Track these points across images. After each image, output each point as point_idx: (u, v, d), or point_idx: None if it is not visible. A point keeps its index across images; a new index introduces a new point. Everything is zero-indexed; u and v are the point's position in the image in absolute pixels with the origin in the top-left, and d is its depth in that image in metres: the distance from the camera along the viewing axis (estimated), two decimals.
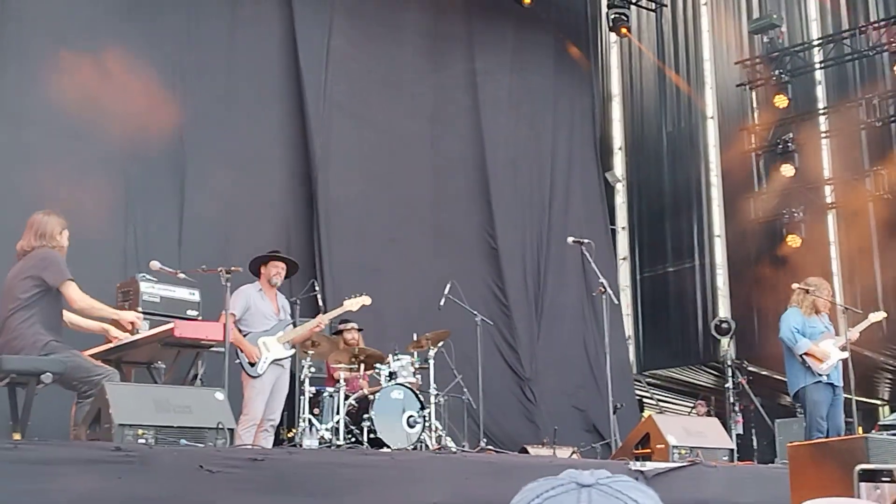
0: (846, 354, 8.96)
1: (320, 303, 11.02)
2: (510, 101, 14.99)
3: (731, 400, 14.10)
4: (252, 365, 8.32)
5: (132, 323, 6.58)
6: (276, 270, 8.75)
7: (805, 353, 8.90)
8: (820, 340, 8.98)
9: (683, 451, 7.50)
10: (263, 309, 8.56)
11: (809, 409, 8.91)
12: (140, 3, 11.57)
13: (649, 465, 6.84)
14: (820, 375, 8.85)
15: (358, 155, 13.18)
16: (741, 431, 13.87)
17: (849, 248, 14.99)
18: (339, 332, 10.48)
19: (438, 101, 14.25)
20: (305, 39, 12.69)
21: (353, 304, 9.05)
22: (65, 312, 6.44)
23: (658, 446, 7.57)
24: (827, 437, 8.51)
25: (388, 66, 13.74)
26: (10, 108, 10.47)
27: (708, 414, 13.95)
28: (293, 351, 8.75)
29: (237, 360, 8.26)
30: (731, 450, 8.19)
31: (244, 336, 8.39)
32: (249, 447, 6.47)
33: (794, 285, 9.42)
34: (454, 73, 14.47)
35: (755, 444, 13.94)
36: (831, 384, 8.93)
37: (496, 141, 14.53)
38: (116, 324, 6.62)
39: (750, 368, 14.97)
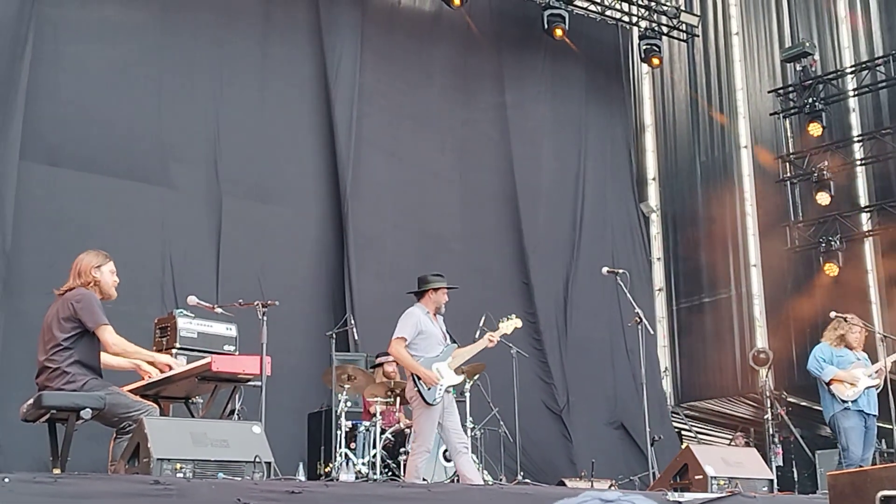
0: (876, 382, 8.89)
1: (356, 337, 11.07)
2: (541, 133, 15.04)
3: (771, 431, 13.93)
4: (429, 391, 7.77)
5: (168, 366, 6.62)
6: (447, 298, 8.28)
7: (832, 380, 8.87)
8: (850, 369, 8.92)
9: (722, 482, 7.43)
10: (435, 333, 8.07)
11: (841, 437, 8.85)
12: (173, 41, 11.77)
13: (688, 496, 6.77)
14: (846, 402, 8.80)
15: (388, 189, 13.26)
16: (781, 463, 13.68)
17: (886, 276, 14.83)
18: (378, 366, 10.47)
19: (468, 135, 14.32)
20: (336, 76, 12.85)
21: (507, 326, 8.50)
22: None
23: (696, 477, 7.50)
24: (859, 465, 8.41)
25: (418, 100, 13.85)
26: (46, 144, 10.65)
27: (746, 445, 13.79)
28: (464, 377, 8.25)
29: (416, 388, 7.79)
30: (771, 480, 8.10)
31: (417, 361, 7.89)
32: (285, 480, 6.47)
33: (833, 314, 9.37)
34: (484, 107, 14.55)
35: (796, 475, 13.74)
36: (861, 411, 8.85)
37: (527, 174, 14.57)
38: (152, 365, 6.66)
39: (789, 399, 14.80)
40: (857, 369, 8.95)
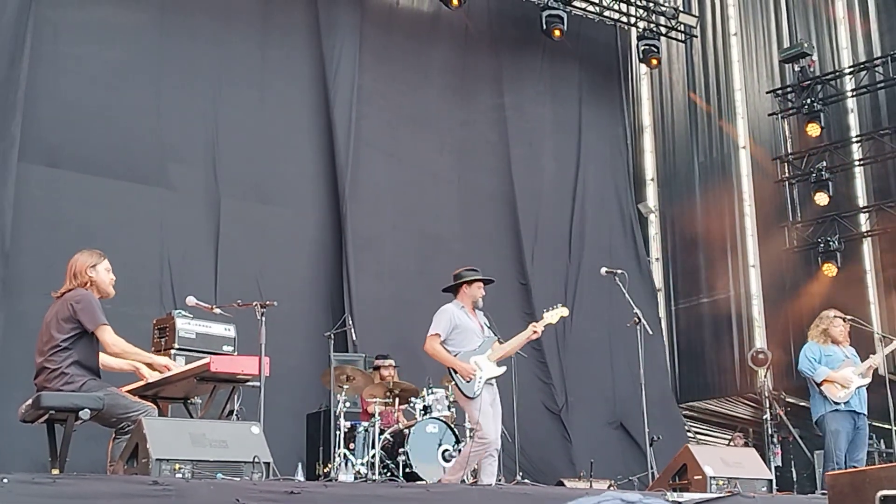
0: (867, 381, 8.90)
1: (354, 337, 11.06)
2: (539, 134, 15.04)
3: (770, 432, 13.93)
4: (468, 383, 7.83)
5: (165, 367, 6.63)
6: (482, 292, 8.27)
7: (824, 381, 8.85)
8: (839, 368, 8.92)
9: (721, 482, 7.42)
10: (471, 326, 8.10)
11: (827, 439, 8.84)
12: (172, 43, 11.78)
13: (686, 497, 6.77)
14: (837, 403, 8.80)
15: (387, 190, 13.28)
16: (780, 463, 13.67)
17: (885, 277, 14.84)
18: (377, 368, 10.47)
19: (466, 136, 14.33)
20: (335, 77, 12.86)
21: (553, 315, 8.53)
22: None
23: (695, 477, 7.49)
24: (844, 468, 8.38)
25: (417, 102, 13.85)
26: (45, 145, 10.66)
27: (745, 445, 13.79)
28: (505, 368, 8.27)
29: (452, 382, 7.92)
30: (770, 480, 8.09)
31: (454, 356, 7.96)
32: (284, 480, 6.46)
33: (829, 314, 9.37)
34: (483, 108, 14.55)
35: (794, 476, 13.74)
36: (853, 411, 8.84)
37: (525, 174, 14.57)
38: (150, 367, 6.67)
39: (788, 399, 14.79)
40: (846, 368, 8.94)
